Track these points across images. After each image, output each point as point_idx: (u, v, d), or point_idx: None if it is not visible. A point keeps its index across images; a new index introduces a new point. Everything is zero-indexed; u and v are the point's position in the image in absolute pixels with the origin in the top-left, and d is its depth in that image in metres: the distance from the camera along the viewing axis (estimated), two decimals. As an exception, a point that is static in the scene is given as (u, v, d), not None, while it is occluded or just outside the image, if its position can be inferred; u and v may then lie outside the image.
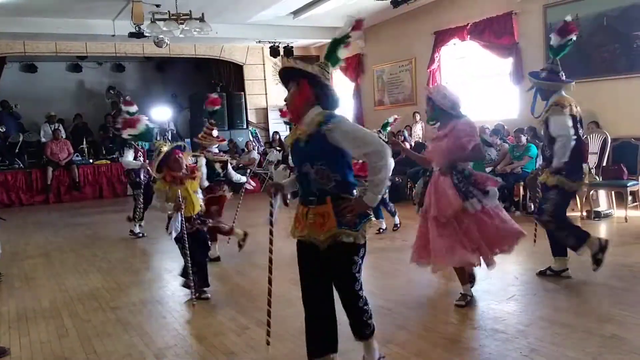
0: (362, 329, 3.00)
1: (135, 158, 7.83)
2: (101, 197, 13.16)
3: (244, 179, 6.37)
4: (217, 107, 6.35)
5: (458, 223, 4.07)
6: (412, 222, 7.88)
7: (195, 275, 4.62)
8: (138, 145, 7.87)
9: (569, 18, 4.76)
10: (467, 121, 4.18)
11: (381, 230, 7.17)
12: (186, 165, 4.61)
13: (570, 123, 4.49)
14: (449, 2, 11.08)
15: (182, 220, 4.49)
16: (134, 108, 7.91)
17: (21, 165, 12.82)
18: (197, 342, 3.86)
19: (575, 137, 4.51)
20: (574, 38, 4.75)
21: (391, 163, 2.75)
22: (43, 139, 13.50)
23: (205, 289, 4.77)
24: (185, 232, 4.51)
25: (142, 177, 7.87)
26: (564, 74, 4.73)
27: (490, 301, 4.30)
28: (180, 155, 4.56)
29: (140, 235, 7.88)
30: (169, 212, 4.51)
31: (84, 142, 13.76)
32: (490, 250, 4.11)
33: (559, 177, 4.56)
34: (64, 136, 13.23)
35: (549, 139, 4.62)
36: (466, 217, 4.07)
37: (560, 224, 4.65)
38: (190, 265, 4.54)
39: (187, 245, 4.52)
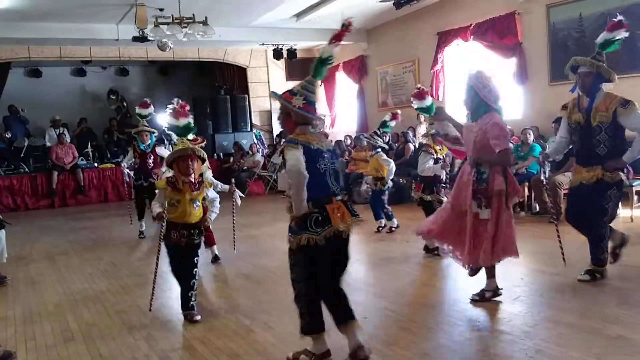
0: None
1: (134, 160, 7.92)
2: (106, 200, 13.20)
3: (226, 187, 5.76)
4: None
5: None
6: (415, 223, 7.89)
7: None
8: (140, 147, 7.92)
9: (621, 17, 4.80)
10: (498, 122, 4.06)
11: (380, 229, 7.27)
12: (194, 176, 4.38)
13: None
14: (452, 3, 11.06)
15: (163, 228, 4.31)
16: (148, 110, 7.97)
17: (26, 169, 12.87)
18: (201, 344, 3.86)
19: None
20: (624, 35, 4.73)
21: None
22: (48, 144, 13.56)
23: (191, 312, 4.38)
24: (162, 240, 4.35)
25: (141, 179, 7.93)
26: None
27: (495, 302, 4.29)
28: (193, 161, 4.33)
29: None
30: (152, 215, 4.30)
31: (89, 146, 13.81)
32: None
33: (619, 174, 4.54)
34: (68, 140, 13.30)
35: (613, 133, 4.47)
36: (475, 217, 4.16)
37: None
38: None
39: (159, 254, 4.38)
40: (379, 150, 7.28)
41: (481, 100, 4.10)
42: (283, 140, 4.49)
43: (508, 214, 4.16)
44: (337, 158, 3.54)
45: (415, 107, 5.80)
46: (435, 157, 6.10)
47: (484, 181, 4.11)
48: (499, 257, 4.17)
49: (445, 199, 5.87)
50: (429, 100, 5.76)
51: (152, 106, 8.05)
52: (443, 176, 6.15)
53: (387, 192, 7.27)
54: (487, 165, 4.12)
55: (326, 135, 8.03)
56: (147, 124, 8.02)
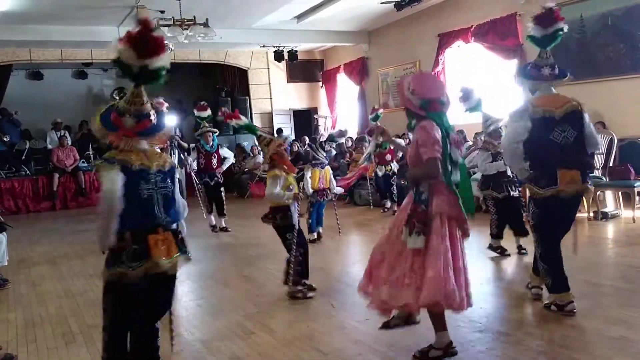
0: None
1: (198, 160, 8.15)
2: (107, 203, 13.20)
3: None
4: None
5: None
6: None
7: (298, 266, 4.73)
8: (204, 147, 8.12)
9: (551, 4, 4.21)
10: (423, 126, 3.26)
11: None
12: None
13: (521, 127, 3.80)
14: (453, 5, 11.07)
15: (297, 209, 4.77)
16: (207, 112, 8.23)
17: (28, 172, 12.88)
18: (203, 346, 3.85)
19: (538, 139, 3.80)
20: (565, 28, 4.24)
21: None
22: (49, 146, 13.56)
23: (305, 281, 4.84)
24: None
25: (206, 178, 8.19)
26: (557, 68, 4.14)
27: (497, 304, 4.28)
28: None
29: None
30: (289, 201, 4.68)
31: (90, 149, 13.81)
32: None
33: (529, 186, 4.01)
34: (70, 143, 13.30)
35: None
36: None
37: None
38: (295, 256, 4.68)
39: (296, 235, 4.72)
40: (325, 164, 6.98)
41: (408, 108, 3.41)
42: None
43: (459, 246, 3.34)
44: (173, 181, 3.01)
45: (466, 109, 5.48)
46: (493, 152, 5.80)
47: (422, 202, 3.27)
48: (434, 298, 3.13)
49: (515, 194, 5.65)
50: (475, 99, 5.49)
51: (209, 109, 8.31)
52: (509, 172, 5.60)
53: (325, 203, 7.11)
54: (426, 184, 3.30)
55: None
56: (207, 125, 8.25)
